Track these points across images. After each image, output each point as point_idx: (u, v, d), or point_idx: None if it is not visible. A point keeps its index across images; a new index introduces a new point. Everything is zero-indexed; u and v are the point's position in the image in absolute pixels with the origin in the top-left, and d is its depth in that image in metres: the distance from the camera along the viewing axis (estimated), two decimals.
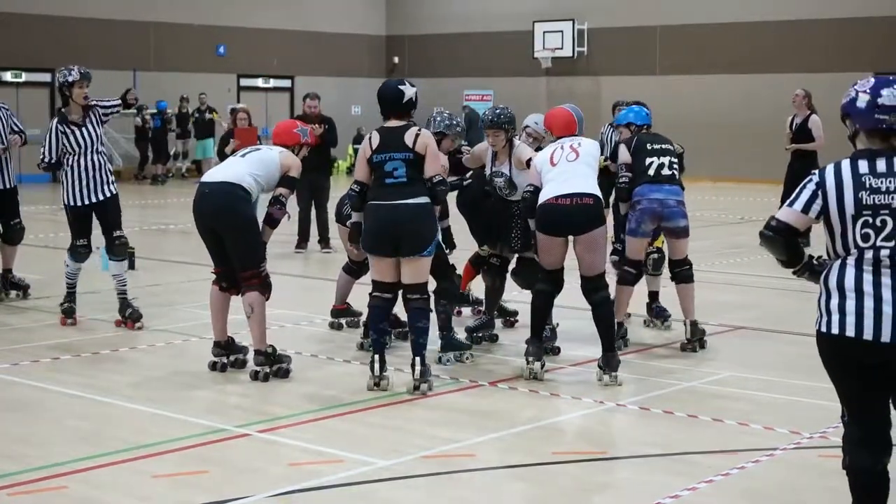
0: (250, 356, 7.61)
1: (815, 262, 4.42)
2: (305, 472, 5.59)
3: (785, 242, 4.34)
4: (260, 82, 29.98)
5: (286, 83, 30.36)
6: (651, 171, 8.25)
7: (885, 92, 4.18)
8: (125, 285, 9.24)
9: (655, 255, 9.09)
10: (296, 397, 7.09)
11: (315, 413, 6.69)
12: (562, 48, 28.78)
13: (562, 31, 28.77)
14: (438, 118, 8.31)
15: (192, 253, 13.44)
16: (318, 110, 13.71)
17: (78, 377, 7.56)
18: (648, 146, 8.37)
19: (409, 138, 7.15)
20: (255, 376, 7.43)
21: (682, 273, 8.44)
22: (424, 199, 7.14)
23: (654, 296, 9.26)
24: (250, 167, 7.53)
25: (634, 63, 27.78)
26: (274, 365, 7.48)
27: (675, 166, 8.36)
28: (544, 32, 28.97)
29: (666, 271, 8.82)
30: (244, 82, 29.67)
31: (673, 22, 27.47)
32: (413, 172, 7.12)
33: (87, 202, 9.04)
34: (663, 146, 8.41)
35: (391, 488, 5.44)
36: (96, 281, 10.71)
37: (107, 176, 9.12)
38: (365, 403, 6.89)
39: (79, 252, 9.21)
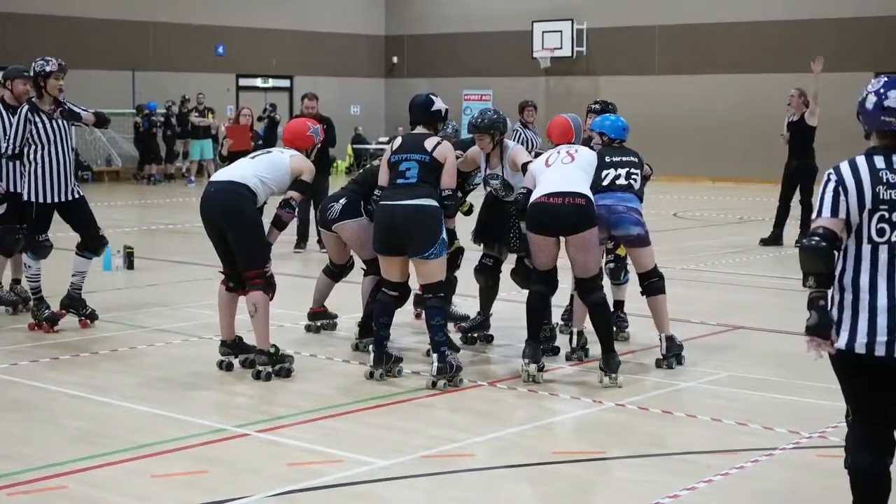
0: None
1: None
2: (305, 472, 5.59)
3: (829, 250, 4.20)
4: (259, 82, 30.00)
5: (285, 83, 30.38)
6: (606, 182, 7.88)
7: (892, 94, 4.21)
8: (83, 281, 9.12)
9: (612, 265, 8.78)
10: (295, 397, 7.10)
11: (315, 413, 6.69)
12: (561, 48, 28.80)
13: (561, 31, 28.79)
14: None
15: (191, 253, 13.45)
16: (317, 110, 13.70)
17: (78, 377, 7.56)
18: (608, 159, 7.98)
19: (429, 144, 7.39)
20: (257, 376, 7.43)
21: (650, 285, 7.95)
22: (429, 202, 7.25)
23: (618, 305, 8.86)
24: (257, 169, 7.55)
25: (633, 63, 27.79)
26: (276, 365, 7.49)
27: (635, 177, 7.98)
28: (543, 32, 28.98)
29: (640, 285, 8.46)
30: (243, 82, 29.69)
31: (672, 22, 27.47)
32: (425, 175, 7.29)
33: (51, 200, 8.81)
34: (623, 159, 8.00)
35: (391, 488, 5.44)
36: (96, 281, 10.71)
37: (73, 176, 8.92)
38: (365, 403, 6.89)
39: (44, 247, 8.97)
